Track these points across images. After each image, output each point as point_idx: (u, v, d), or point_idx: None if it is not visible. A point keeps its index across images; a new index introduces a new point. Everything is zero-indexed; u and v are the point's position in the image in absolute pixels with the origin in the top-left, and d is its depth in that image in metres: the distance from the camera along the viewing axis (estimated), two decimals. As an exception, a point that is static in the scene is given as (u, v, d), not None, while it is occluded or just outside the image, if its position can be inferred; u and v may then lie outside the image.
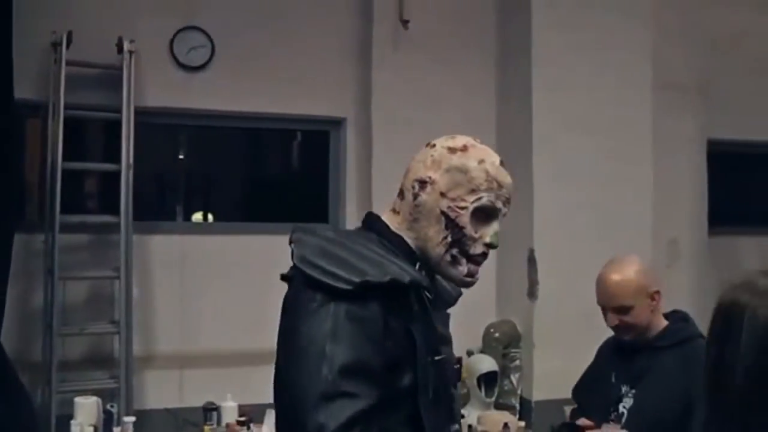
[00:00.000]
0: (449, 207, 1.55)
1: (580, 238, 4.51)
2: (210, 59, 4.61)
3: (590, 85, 4.68)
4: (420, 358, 1.47)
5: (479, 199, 1.55)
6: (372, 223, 1.60)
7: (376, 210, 1.64)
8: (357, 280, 1.40)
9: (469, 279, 1.58)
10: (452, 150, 1.57)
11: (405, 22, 4.72)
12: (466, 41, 4.94)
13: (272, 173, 5.26)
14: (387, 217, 1.60)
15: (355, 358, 1.39)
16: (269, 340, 1.56)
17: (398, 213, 1.59)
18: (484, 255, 1.58)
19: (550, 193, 4.57)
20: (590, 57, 4.68)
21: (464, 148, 1.57)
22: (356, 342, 1.40)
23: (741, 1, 5.57)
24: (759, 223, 5.84)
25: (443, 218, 1.55)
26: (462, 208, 1.55)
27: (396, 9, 4.71)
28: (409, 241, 1.57)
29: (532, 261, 4.65)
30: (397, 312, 1.46)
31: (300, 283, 1.47)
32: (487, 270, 1.64)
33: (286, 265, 1.53)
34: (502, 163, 1.59)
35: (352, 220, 4.75)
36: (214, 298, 4.59)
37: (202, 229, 4.83)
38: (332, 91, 4.80)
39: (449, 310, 1.70)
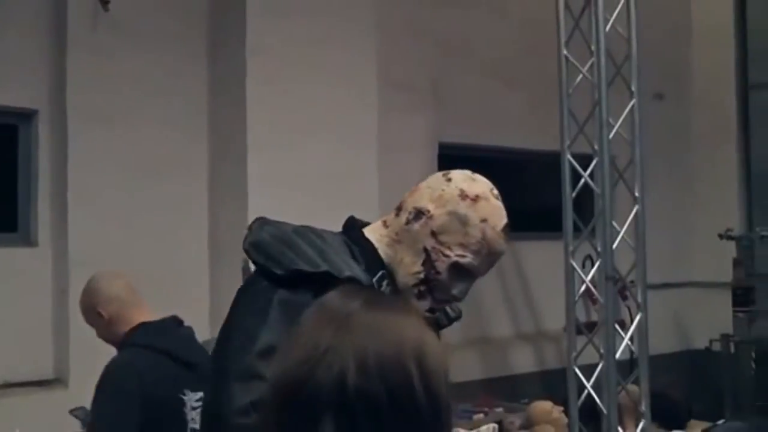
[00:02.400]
0: (434, 248, 1.60)
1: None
2: None
3: (310, 80, 4.65)
4: None
5: (464, 257, 1.60)
6: (348, 227, 1.65)
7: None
8: (293, 267, 1.48)
9: (427, 314, 1.59)
10: (463, 196, 1.61)
11: (105, 3, 4.41)
12: (175, 26, 4.70)
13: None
14: (374, 227, 1.65)
15: (277, 342, 1.38)
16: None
17: (387, 227, 1.64)
18: (448, 302, 1.64)
19: (265, 200, 4.40)
20: (311, 52, 4.67)
21: (476, 199, 1.61)
22: (283, 328, 1.42)
23: (471, 3, 5.78)
24: None
25: (424, 255, 1.60)
26: (445, 256, 1.60)
27: (94, -14, 4.45)
28: (382, 255, 1.61)
29: (246, 272, 4.40)
30: None
31: (251, 268, 1.57)
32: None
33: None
34: (505, 229, 1.62)
35: (46, 230, 4.38)
36: None
37: None
38: (20, 77, 4.39)
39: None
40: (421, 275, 1.59)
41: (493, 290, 6.00)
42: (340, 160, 4.73)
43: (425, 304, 1.61)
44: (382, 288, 1.59)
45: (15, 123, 4.52)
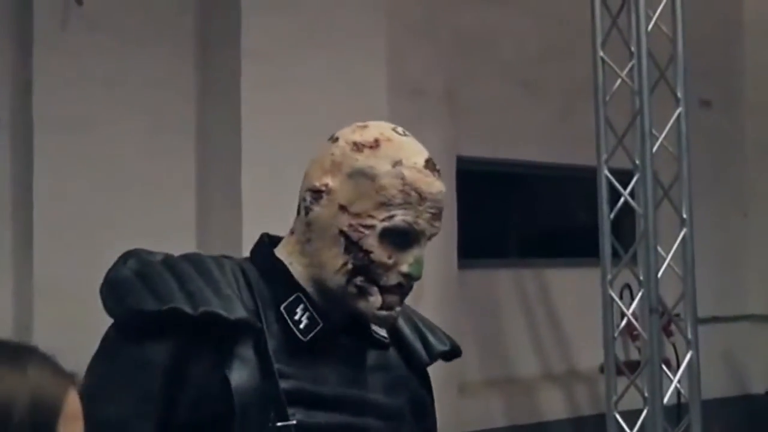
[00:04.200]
0: (350, 225, 1.46)
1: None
2: None
3: (312, 86, 4.56)
4: (244, 419, 1.38)
5: (391, 217, 1.45)
6: (254, 249, 1.55)
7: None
8: (136, 308, 1.38)
9: (384, 313, 1.47)
10: (358, 146, 1.48)
11: (78, -4, 4.37)
12: (159, 23, 4.64)
13: None
14: (283, 241, 1.55)
15: (111, 415, 1.35)
16: None
17: (293, 233, 1.54)
18: (401, 286, 1.48)
19: (261, 223, 4.28)
20: (313, 53, 4.60)
21: (375, 144, 1.47)
22: (121, 395, 1.37)
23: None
24: (516, 253, 6.17)
25: (342, 239, 1.47)
26: (367, 228, 1.46)
27: (66, -22, 4.43)
28: (299, 269, 1.50)
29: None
30: (211, 355, 1.40)
31: None
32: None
33: None
34: (429, 164, 1.48)
35: (5, 258, 4.30)
36: None
37: None
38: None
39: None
40: (349, 265, 1.47)
41: (518, 324, 5.97)
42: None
43: (374, 301, 1.47)
44: (296, 316, 1.48)
45: (-27, 133, 4.44)
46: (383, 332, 1.57)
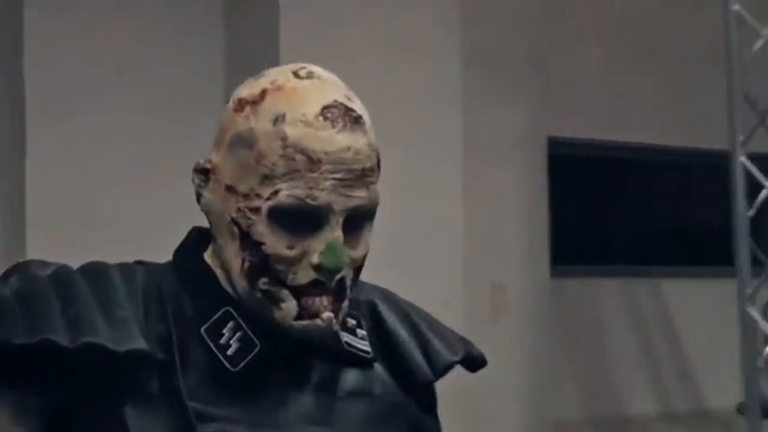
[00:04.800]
0: (239, 211, 1.31)
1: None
2: None
3: (368, 53, 4.43)
4: None
5: (275, 193, 1.28)
6: (180, 250, 1.43)
7: None
8: (2, 340, 1.30)
9: (305, 323, 1.30)
10: (241, 104, 1.33)
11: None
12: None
13: None
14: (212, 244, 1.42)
15: None
16: None
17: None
18: (320, 284, 1.30)
19: None
20: (369, 13, 4.53)
21: (259, 98, 1.31)
22: None
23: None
24: (624, 259, 5.99)
25: (236, 230, 1.32)
26: (254, 211, 1.30)
27: None
28: (225, 279, 1.37)
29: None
30: (104, 396, 1.32)
31: None
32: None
33: None
34: (329, 111, 1.30)
35: None
36: None
37: None
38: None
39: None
40: (247, 264, 1.34)
41: (627, 348, 5.79)
42: (409, 164, 4.43)
43: (288, 308, 1.32)
44: (223, 339, 1.36)
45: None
46: (363, 343, 1.42)
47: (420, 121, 4.71)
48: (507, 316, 5.08)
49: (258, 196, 1.31)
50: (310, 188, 1.29)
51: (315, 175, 1.29)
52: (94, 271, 1.39)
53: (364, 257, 1.35)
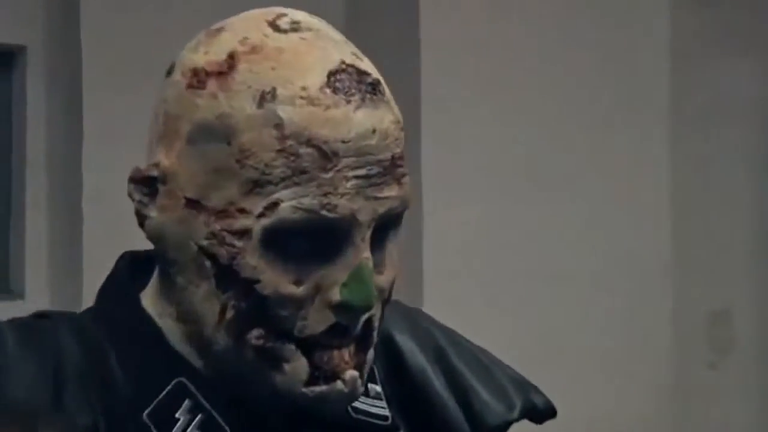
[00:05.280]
0: (212, 235, 1.03)
1: (526, 301, 3.88)
2: None
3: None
4: None
5: (274, 206, 1.02)
6: (103, 285, 1.17)
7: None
8: None
9: (322, 389, 1.03)
10: (200, 78, 1.03)
11: None
12: None
13: None
14: (154, 281, 1.14)
15: None
16: None
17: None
18: (342, 330, 1.04)
19: (448, 211, 3.81)
20: None
21: (229, 66, 1.02)
22: None
23: None
24: None
25: (208, 264, 1.04)
26: (238, 235, 1.03)
27: None
28: (174, 326, 1.10)
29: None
30: None
31: None
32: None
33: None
34: (337, 78, 1.02)
35: (38, 230, 3.99)
36: None
37: None
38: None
39: None
40: (230, 312, 1.02)
41: None
42: (596, 136, 3.93)
43: (297, 370, 1.02)
44: (177, 422, 1.05)
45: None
46: (379, 405, 1.13)
47: (606, 65, 4.11)
48: (731, 354, 4.44)
49: (243, 212, 1.04)
50: (325, 194, 1.03)
51: (330, 175, 1.03)
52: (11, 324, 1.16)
53: (393, 283, 1.07)
